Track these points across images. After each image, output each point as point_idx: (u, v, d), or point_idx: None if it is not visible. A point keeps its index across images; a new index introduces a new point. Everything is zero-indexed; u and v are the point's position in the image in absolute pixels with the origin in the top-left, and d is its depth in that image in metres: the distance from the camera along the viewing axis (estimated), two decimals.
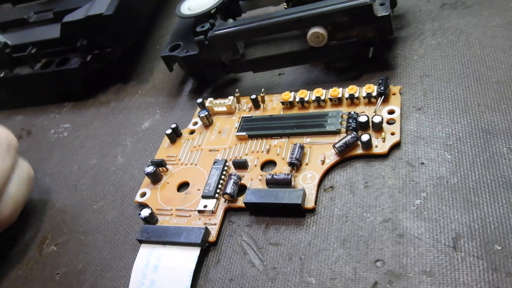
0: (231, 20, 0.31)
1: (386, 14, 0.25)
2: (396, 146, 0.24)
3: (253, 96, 0.28)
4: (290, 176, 0.23)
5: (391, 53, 0.29)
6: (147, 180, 0.27)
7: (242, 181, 0.25)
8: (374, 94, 0.26)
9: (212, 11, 0.30)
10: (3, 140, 0.26)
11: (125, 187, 0.28)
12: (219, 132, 0.28)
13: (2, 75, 0.37)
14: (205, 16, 0.30)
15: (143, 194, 0.27)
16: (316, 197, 0.23)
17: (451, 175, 0.22)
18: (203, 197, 0.25)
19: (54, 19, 0.37)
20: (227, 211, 0.24)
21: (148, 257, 0.23)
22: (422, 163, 0.23)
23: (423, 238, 0.20)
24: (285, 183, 0.23)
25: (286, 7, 0.29)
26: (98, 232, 0.27)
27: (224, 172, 0.25)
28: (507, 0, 0.29)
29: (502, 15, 0.28)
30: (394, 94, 0.26)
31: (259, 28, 0.27)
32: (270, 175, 0.24)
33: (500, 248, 0.19)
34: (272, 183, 0.23)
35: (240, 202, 0.24)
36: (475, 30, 0.28)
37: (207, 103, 0.30)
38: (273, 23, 0.27)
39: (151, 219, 0.24)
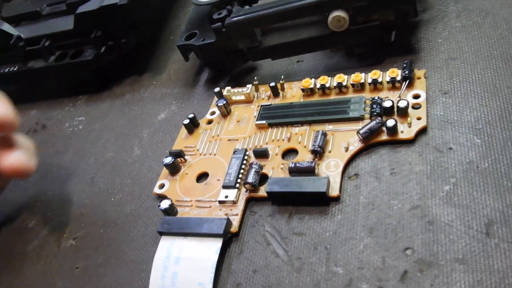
0: (247, 7, 0.30)
1: None
2: (422, 131, 0.23)
3: (272, 84, 0.28)
4: (313, 164, 0.22)
5: (414, 37, 0.28)
6: (165, 171, 0.27)
7: (263, 170, 0.24)
8: (398, 78, 0.25)
9: None
10: None
11: (143, 179, 0.28)
12: (238, 121, 0.28)
13: (15, 69, 0.36)
14: (222, 3, 0.29)
15: (162, 186, 0.26)
16: (341, 185, 0.22)
17: (481, 159, 0.21)
18: (224, 187, 0.24)
19: (67, 10, 0.36)
20: (248, 201, 0.24)
21: (169, 249, 0.22)
22: (450, 148, 0.22)
23: (454, 225, 0.20)
24: (309, 171, 0.22)
25: None
26: (117, 225, 0.26)
27: (244, 162, 0.25)
28: None
29: None
30: (418, 78, 0.25)
31: (279, 13, 0.26)
32: (292, 163, 0.23)
33: None
34: (295, 171, 0.23)
35: (262, 192, 0.23)
36: (501, 10, 0.27)
37: (224, 92, 0.29)
38: (294, 7, 0.26)
39: (171, 211, 0.24)
